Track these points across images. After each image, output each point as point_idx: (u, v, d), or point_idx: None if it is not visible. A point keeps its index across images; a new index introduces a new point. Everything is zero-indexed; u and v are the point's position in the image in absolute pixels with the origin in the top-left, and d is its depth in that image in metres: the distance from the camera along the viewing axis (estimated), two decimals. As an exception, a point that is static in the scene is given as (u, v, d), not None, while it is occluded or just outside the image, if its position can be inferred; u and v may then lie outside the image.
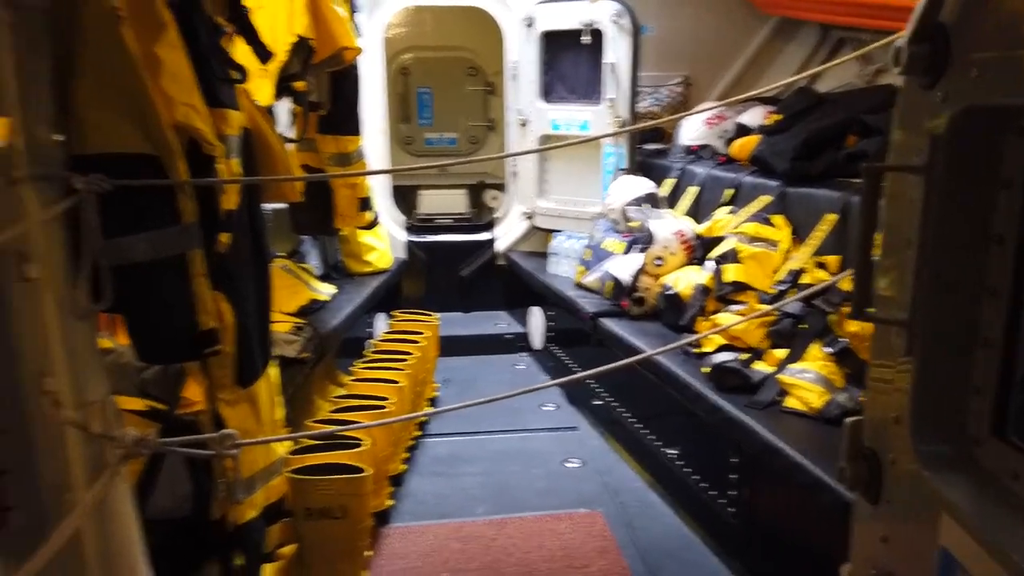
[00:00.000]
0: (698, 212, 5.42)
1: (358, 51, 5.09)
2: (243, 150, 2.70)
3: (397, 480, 4.56)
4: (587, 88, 6.40)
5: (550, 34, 6.55)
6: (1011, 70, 1.07)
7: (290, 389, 3.72)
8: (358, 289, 5.72)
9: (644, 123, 6.28)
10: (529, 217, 7.08)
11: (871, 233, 1.32)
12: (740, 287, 4.26)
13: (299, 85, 4.79)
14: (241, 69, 2.71)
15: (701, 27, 6.93)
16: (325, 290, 5.26)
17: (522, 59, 6.77)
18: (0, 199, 1.64)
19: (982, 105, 1.14)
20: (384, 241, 6.45)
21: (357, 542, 3.60)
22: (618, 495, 4.50)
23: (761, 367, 3.81)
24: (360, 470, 3.51)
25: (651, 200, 5.56)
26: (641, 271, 4.98)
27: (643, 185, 5.68)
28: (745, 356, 3.89)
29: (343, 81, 5.36)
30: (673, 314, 4.64)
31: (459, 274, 7.28)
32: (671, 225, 5.09)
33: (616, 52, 6.04)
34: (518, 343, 6.95)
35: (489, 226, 7.44)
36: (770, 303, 4.04)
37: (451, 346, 6.39)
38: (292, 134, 5.29)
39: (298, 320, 4.45)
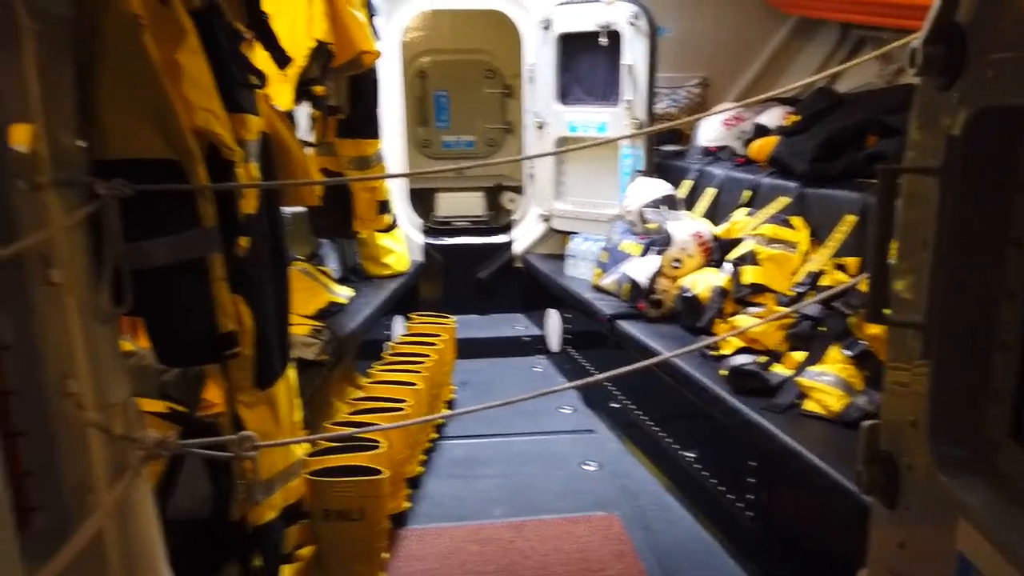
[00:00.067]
0: (716, 214, 5.39)
1: (377, 55, 5.12)
2: (262, 154, 2.73)
3: (414, 482, 4.58)
4: (604, 90, 6.40)
5: (567, 36, 6.56)
6: (1028, 71, 1.06)
7: (308, 391, 3.74)
8: (376, 292, 5.75)
9: (661, 124, 6.27)
10: (546, 219, 7.08)
11: (887, 236, 1.31)
12: (758, 289, 4.24)
13: (318, 89, 4.83)
14: (260, 74, 2.74)
15: (719, 28, 6.91)
16: (343, 293, 5.30)
17: (539, 61, 6.78)
18: (24, 205, 1.67)
19: (999, 106, 1.13)
20: (402, 244, 6.48)
21: (374, 544, 3.62)
22: (635, 498, 4.49)
23: (779, 370, 3.79)
24: (378, 472, 3.53)
25: (669, 202, 5.54)
26: (658, 273, 4.97)
27: (660, 187, 5.67)
28: (763, 359, 3.87)
29: (362, 85, 5.40)
30: (691, 316, 4.62)
31: (476, 276, 7.30)
32: (689, 227, 5.07)
33: (633, 54, 6.03)
34: (535, 345, 6.95)
35: (506, 228, 7.45)
36: (789, 305, 4.01)
37: (468, 348, 6.41)
38: (311, 138, 5.34)
39: (316, 323, 4.48)
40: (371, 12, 5.58)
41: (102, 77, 1.93)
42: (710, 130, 5.98)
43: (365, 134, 5.57)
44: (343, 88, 5.28)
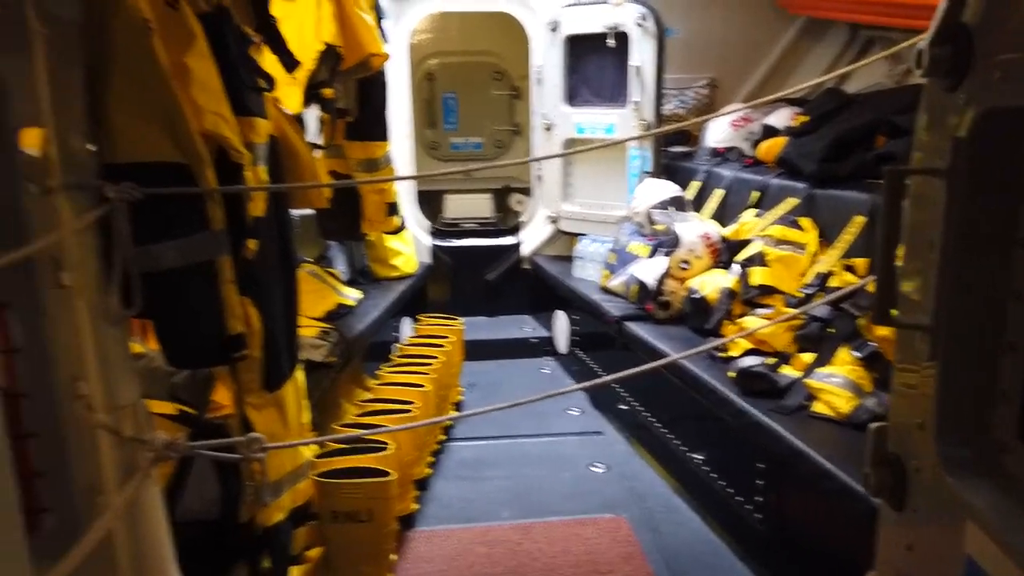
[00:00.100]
0: (724, 215, 5.38)
1: (385, 57, 5.13)
2: (270, 157, 2.74)
3: (422, 484, 4.59)
4: (612, 91, 6.40)
5: (575, 38, 6.56)
6: (1035, 72, 1.06)
7: (317, 393, 3.76)
8: (384, 294, 5.77)
9: (669, 126, 6.26)
10: (554, 221, 7.08)
11: (893, 237, 1.30)
12: (767, 290, 4.23)
13: (327, 92, 4.85)
14: (268, 78, 2.75)
15: (727, 28, 6.89)
16: (352, 295, 5.31)
17: (547, 63, 6.78)
18: (35, 208, 1.69)
19: (1006, 107, 1.13)
20: (410, 246, 6.50)
21: (382, 545, 3.63)
22: (643, 500, 4.48)
23: (788, 371, 3.78)
24: (386, 474, 3.54)
25: (676, 203, 5.53)
26: (666, 275, 4.96)
27: (668, 188, 5.66)
28: (772, 360, 3.86)
29: (370, 87, 5.41)
30: (699, 318, 4.61)
31: (484, 278, 7.30)
32: (697, 228, 5.06)
33: (641, 55, 6.03)
34: (543, 347, 6.95)
35: (514, 230, 7.46)
36: (797, 307, 4.00)
37: (476, 350, 6.42)
38: (320, 141, 5.36)
39: (325, 325, 4.50)
40: (379, 15, 5.60)
41: (111, 81, 1.94)
42: (718, 131, 5.97)
43: (374, 136, 5.58)
44: (352, 91, 5.30)
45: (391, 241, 6.23)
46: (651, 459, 4.98)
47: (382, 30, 5.43)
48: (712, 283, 4.60)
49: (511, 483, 4.72)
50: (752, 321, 4.11)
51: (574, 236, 6.73)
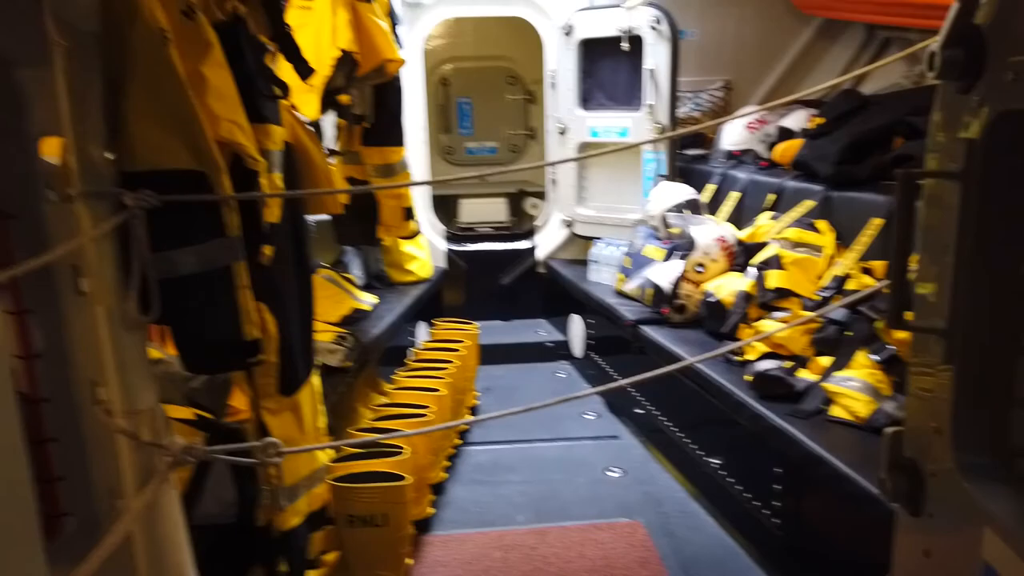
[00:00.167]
0: (740, 218, 5.36)
1: (401, 63, 5.16)
2: (286, 164, 2.77)
3: (438, 488, 4.60)
4: (626, 95, 6.39)
5: (589, 42, 6.56)
6: (1049, 73, 1.05)
7: (333, 397, 3.78)
8: (399, 298, 5.79)
9: (684, 128, 6.24)
10: (569, 225, 7.08)
11: (906, 241, 1.30)
12: (783, 294, 4.20)
13: (343, 98, 4.89)
14: (283, 85, 2.78)
15: (742, 30, 6.87)
16: (367, 299, 5.34)
17: (561, 67, 6.79)
18: (55, 216, 1.71)
19: (1019, 109, 1.12)
20: (425, 250, 6.52)
21: (398, 550, 3.64)
22: (660, 505, 4.46)
23: (805, 375, 3.75)
24: (401, 478, 3.55)
25: (692, 206, 5.51)
26: (682, 278, 4.94)
27: (683, 191, 5.64)
28: (789, 364, 3.83)
29: (386, 93, 5.44)
30: (715, 321, 4.59)
31: (499, 282, 7.31)
32: (712, 231, 5.04)
33: (655, 58, 6.02)
34: (559, 351, 6.94)
35: (529, 234, 7.46)
36: (814, 310, 3.97)
37: (492, 354, 6.42)
38: (338, 147, 5.40)
39: (341, 329, 4.52)
40: (394, 21, 5.63)
41: (129, 91, 1.97)
42: (733, 134, 5.94)
43: (390, 142, 5.61)
44: (368, 97, 5.33)
45: (406, 246, 6.26)
46: (667, 463, 4.96)
47: (396, 36, 5.46)
48: (728, 286, 4.57)
49: (527, 487, 4.71)
50: (768, 324, 4.08)
51: (589, 240, 6.73)
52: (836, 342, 3.77)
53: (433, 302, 6.60)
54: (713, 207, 5.66)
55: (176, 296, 2.06)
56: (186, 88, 2.08)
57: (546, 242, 7.29)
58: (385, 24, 4.98)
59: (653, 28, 5.98)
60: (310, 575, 3.15)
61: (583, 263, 6.59)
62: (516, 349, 6.90)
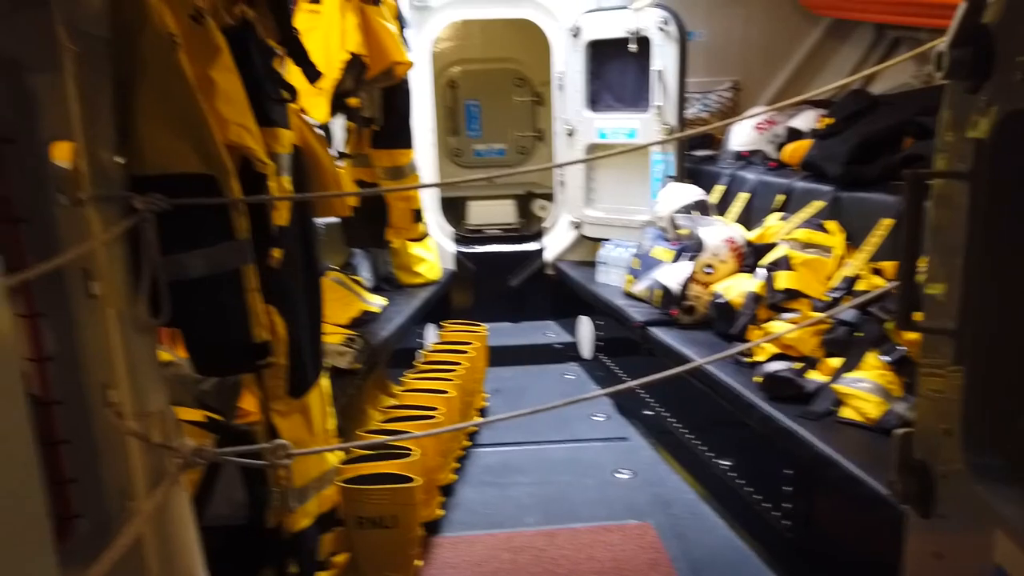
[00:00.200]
0: (749, 219, 5.34)
1: (409, 65, 5.19)
2: (294, 167, 2.78)
3: (447, 490, 4.60)
4: (634, 96, 6.39)
5: (596, 43, 6.56)
6: (1059, 72, 1.04)
7: (342, 399, 3.79)
8: (408, 300, 5.81)
9: (692, 129, 6.23)
10: (577, 226, 7.08)
11: (915, 242, 1.29)
12: (793, 295, 4.18)
13: (353, 101, 4.92)
14: (292, 89, 2.79)
15: (750, 31, 6.85)
16: (376, 302, 5.36)
17: (569, 69, 6.79)
18: (66, 220, 1.73)
19: (1029, 109, 1.11)
20: (433, 252, 6.54)
21: (408, 551, 3.64)
22: (669, 506, 4.45)
23: (815, 376, 3.73)
24: (410, 480, 3.55)
25: (700, 207, 5.50)
26: (691, 279, 4.93)
27: (692, 192, 5.63)
28: (799, 365, 3.82)
29: (395, 96, 5.47)
30: (724, 323, 4.58)
31: (508, 284, 7.32)
32: (721, 232, 5.02)
33: (663, 59, 6.01)
34: (567, 353, 6.94)
35: (537, 236, 7.46)
36: (824, 310, 3.95)
37: (500, 356, 6.43)
38: (347, 150, 5.42)
39: (350, 331, 4.54)
40: (402, 24, 5.65)
41: (139, 95, 1.98)
42: (742, 134, 5.93)
43: (399, 144, 5.64)
44: (377, 99, 5.36)
45: (415, 248, 6.27)
46: (677, 465, 4.95)
47: (404, 39, 5.48)
48: (737, 287, 4.56)
49: (536, 489, 4.71)
50: (778, 326, 4.07)
51: (597, 241, 6.72)
52: (846, 343, 3.75)
53: (442, 304, 6.61)
54: (722, 208, 5.65)
55: (186, 299, 2.08)
56: (195, 92, 2.09)
57: (554, 244, 7.29)
58: (393, 27, 5.01)
59: (661, 29, 5.98)
60: (320, 576, 3.16)
61: (591, 265, 6.59)
62: (525, 351, 6.90)
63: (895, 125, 4.41)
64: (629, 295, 5.65)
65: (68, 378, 1.76)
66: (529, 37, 7.26)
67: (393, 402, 4.57)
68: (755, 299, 4.38)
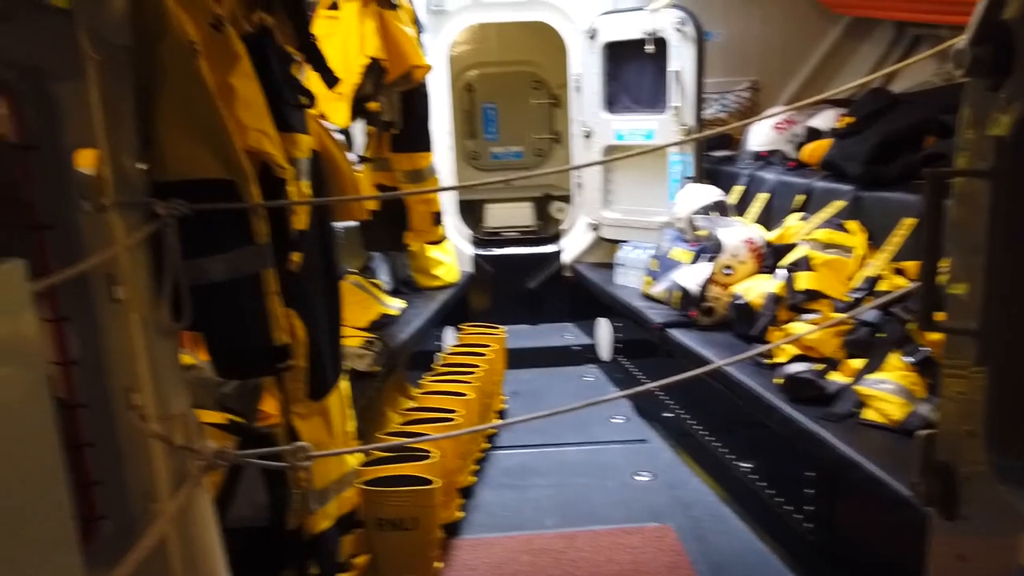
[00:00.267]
0: (768, 219, 5.30)
1: (428, 68, 5.21)
2: (313, 172, 2.80)
3: (467, 492, 4.61)
4: (652, 97, 6.37)
5: (613, 45, 6.55)
6: (1081, 68, 1.03)
7: (361, 402, 3.81)
8: (426, 303, 5.82)
9: (710, 130, 6.20)
10: (595, 228, 7.07)
11: (936, 242, 1.28)
12: (813, 295, 4.15)
13: (373, 106, 4.95)
14: (309, 94, 2.81)
15: (769, 30, 6.81)
16: (395, 305, 5.38)
17: (585, 71, 6.79)
18: (90, 225, 1.76)
19: (1051, 105, 1.10)
20: (451, 255, 6.55)
21: (427, 553, 3.66)
22: (689, 509, 4.43)
23: (837, 378, 3.70)
24: (430, 482, 3.56)
25: (719, 208, 5.47)
26: (710, 280, 4.90)
27: (710, 193, 5.60)
28: (820, 366, 3.78)
29: (414, 99, 5.50)
30: (744, 324, 4.55)
31: (526, 286, 7.32)
32: (740, 233, 4.99)
33: (680, 60, 5.99)
34: (586, 355, 6.93)
35: (555, 238, 7.46)
36: (845, 311, 3.92)
37: (519, 358, 6.43)
38: (368, 154, 5.45)
39: (369, 334, 4.56)
40: (419, 28, 5.69)
41: (160, 102, 2.01)
42: (761, 134, 5.89)
43: (418, 147, 5.67)
44: (396, 103, 5.39)
45: (433, 251, 6.30)
46: (697, 467, 4.92)
47: (422, 43, 5.51)
48: (757, 288, 4.53)
49: (555, 491, 4.71)
50: (799, 327, 4.04)
51: (615, 243, 6.70)
52: (868, 344, 3.71)
53: (460, 307, 6.62)
54: (741, 208, 5.62)
55: (207, 303, 2.10)
56: (215, 99, 2.12)
57: (572, 246, 7.28)
58: (411, 31, 5.04)
59: (678, 30, 5.95)
60: (340, 578, 3.18)
61: (609, 267, 6.58)
62: (543, 353, 6.89)
63: (916, 124, 4.37)
64: (647, 297, 5.63)
65: (92, 382, 1.79)
66: (545, 40, 7.27)
67: (412, 404, 4.58)
68: (775, 300, 4.35)
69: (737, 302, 4.60)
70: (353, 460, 3.22)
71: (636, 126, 6.49)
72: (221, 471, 2.52)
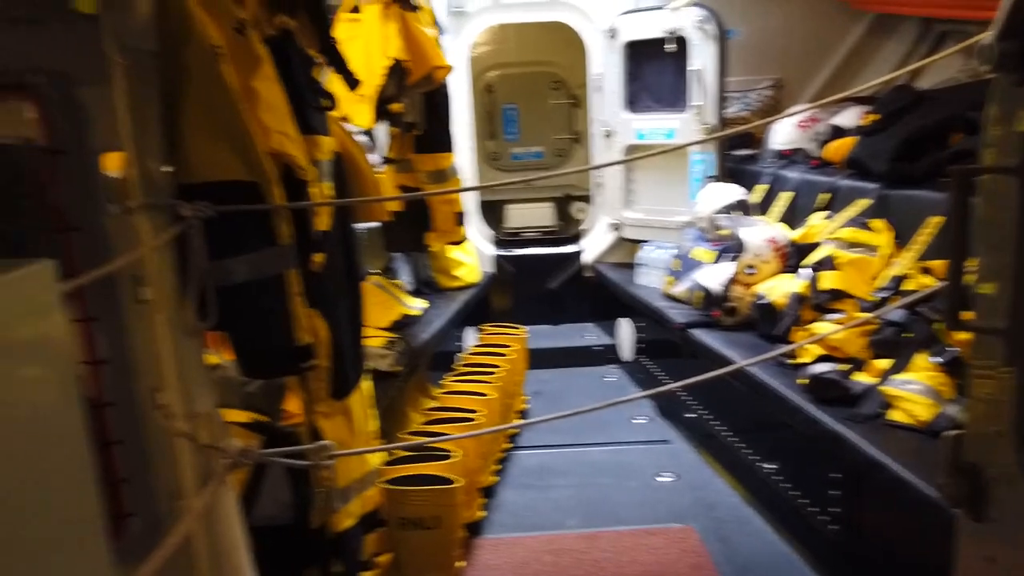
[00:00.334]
0: (792, 218, 5.26)
1: (449, 70, 5.24)
2: (335, 173, 2.82)
3: (488, 492, 4.62)
4: (673, 96, 6.34)
5: (634, 44, 6.53)
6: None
7: (383, 402, 3.83)
8: (448, 304, 5.84)
9: (732, 129, 6.15)
10: (616, 228, 7.05)
11: (963, 239, 1.26)
12: (838, 295, 4.10)
13: (396, 107, 4.98)
14: (331, 97, 2.83)
15: (791, 28, 6.75)
16: (416, 305, 5.41)
17: (606, 70, 6.77)
18: (117, 227, 1.78)
19: (1081, 100, 1.08)
20: (472, 256, 6.57)
21: (449, 552, 3.67)
22: (712, 510, 4.40)
23: (862, 378, 3.65)
24: (452, 481, 3.58)
25: (741, 207, 5.43)
26: (732, 280, 4.87)
27: (733, 192, 5.56)
28: (845, 367, 3.74)
29: (435, 100, 5.53)
30: (767, 324, 4.51)
31: (547, 287, 7.31)
32: (763, 232, 4.95)
33: (702, 58, 5.96)
34: (607, 355, 6.91)
35: (576, 238, 7.45)
36: (871, 311, 3.87)
37: (540, 358, 6.43)
38: (391, 155, 5.49)
39: (390, 334, 4.58)
40: (440, 30, 5.71)
41: (185, 106, 2.03)
42: (783, 133, 5.84)
43: (441, 148, 5.70)
44: (418, 104, 5.42)
45: (454, 252, 6.32)
46: (720, 468, 4.89)
47: (442, 45, 5.53)
48: (780, 288, 4.49)
49: (577, 492, 4.70)
50: (823, 326, 3.99)
51: (636, 243, 6.68)
52: (894, 344, 3.66)
53: (481, 307, 6.64)
54: (764, 208, 5.57)
55: (232, 303, 2.12)
56: (239, 102, 2.14)
57: (593, 246, 7.27)
58: (432, 31, 5.06)
59: (699, 28, 5.92)
60: (363, 577, 3.19)
61: (630, 267, 6.55)
62: (564, 353, 6.89)
63: (942, 120, 4.31)
64: (669, 297, 5.60)
65: (120, 381, 1.81)
66: (565, 40, 7.26)
67: (433, 404, 4.60)
68: (799, 300, 4.31)
69: (760, 302, 4.56)
70: (375, 459, 3.24)
71: (657, 125, 6.46)
72: (246, 469, 2.54)
